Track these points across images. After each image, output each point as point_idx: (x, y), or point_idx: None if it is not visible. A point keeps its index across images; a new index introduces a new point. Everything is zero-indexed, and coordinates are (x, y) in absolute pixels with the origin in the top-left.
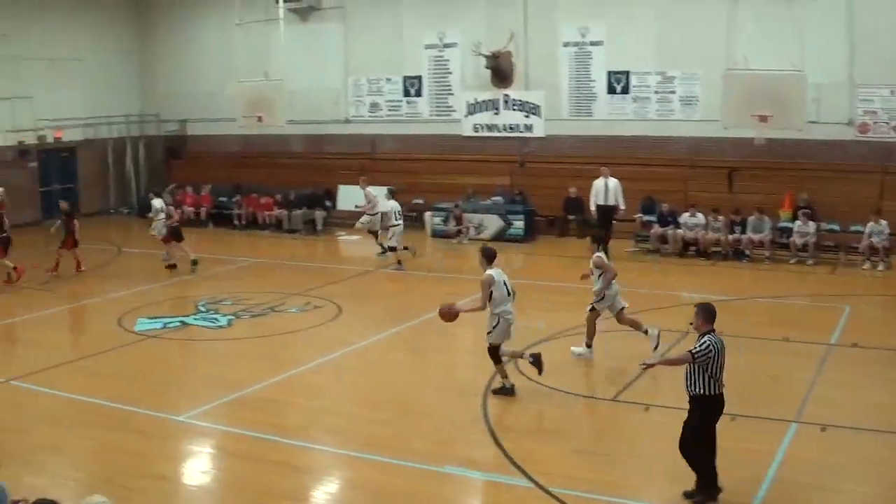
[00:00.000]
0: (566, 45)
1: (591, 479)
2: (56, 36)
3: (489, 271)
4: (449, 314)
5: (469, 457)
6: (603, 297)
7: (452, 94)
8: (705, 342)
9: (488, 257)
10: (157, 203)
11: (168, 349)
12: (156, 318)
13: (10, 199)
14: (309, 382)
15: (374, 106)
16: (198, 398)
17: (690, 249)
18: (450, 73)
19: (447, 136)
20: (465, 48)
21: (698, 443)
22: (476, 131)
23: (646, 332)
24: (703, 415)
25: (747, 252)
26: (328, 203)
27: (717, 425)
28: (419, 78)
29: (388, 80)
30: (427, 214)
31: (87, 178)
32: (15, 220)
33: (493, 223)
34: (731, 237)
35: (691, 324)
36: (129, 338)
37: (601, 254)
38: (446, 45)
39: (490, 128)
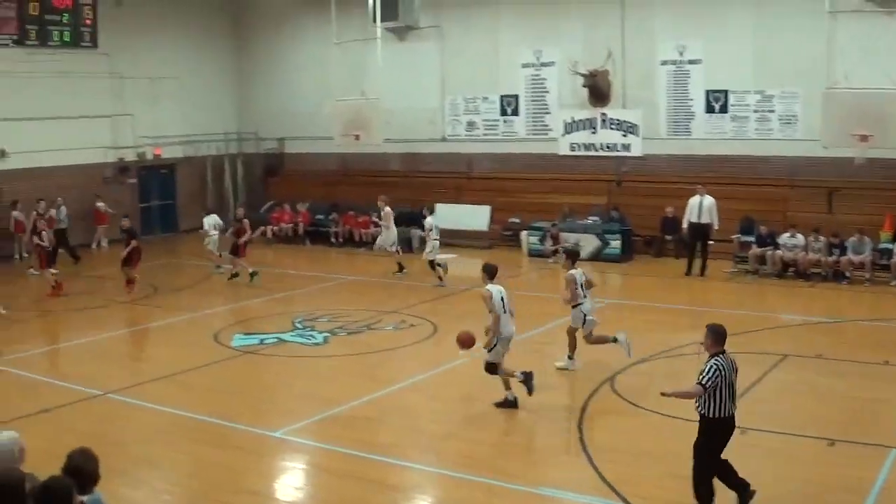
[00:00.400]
0: (664, 63)
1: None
2: (156, 54)
3: (489, 287)
4: (468, 340)
5: (564, 478)
6: (584, 320)
7: (549, 112)
8: (712, 367)
9: (489, 273)
10: (209, 220)
11: (264, 365)
12: (252, 333)
13: (108, 214)
14: (403, 400)
15: (471, 125)
16: (293, 414)
17: (789, 271)
18: (547, 91)
19: (544, 155)
20: (562, 67)
21: (711, 466)
22: (573, 150)
23: (614, 341)
24: (711, 436)
25: (847, 274)
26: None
27: (810, 451)
28: (516, 97)
29: (485, 98)
30: (523, 234)
31: (185, 195)
32: (114, 235)
33: (589, 243)
34: (830, 258)
35: (701, 344)
36: (226, 353)
37: (575, 271)
38: (543, 64)
39: (587, 147)
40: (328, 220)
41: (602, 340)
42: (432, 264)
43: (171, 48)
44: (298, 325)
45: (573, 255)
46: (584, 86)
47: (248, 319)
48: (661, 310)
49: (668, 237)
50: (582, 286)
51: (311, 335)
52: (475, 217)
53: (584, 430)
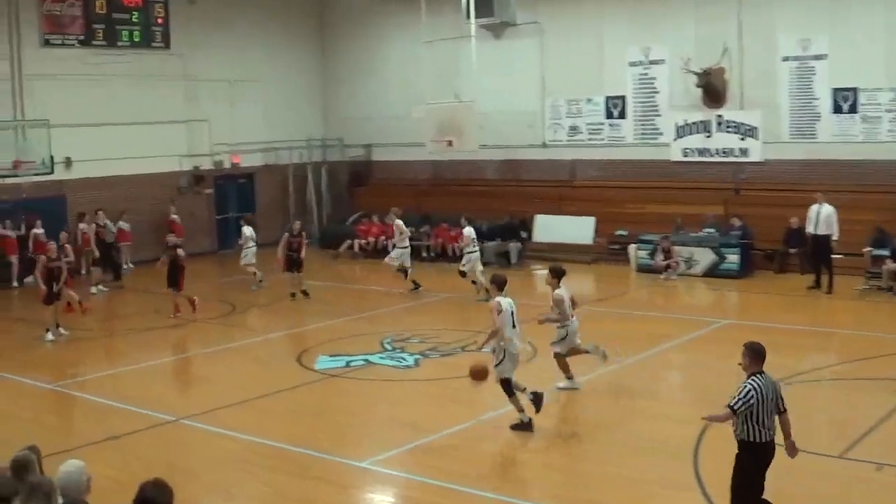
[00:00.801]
0: (785, 59)
1: None
2: (234, 56)
3: (499, 299)
4: (481, 373)
5: None
6: (565, 337)
7: (659, 115)
8: (746, 388)
9: (499, 285)
10: (247, 231)
11: (350, 389)
12: (338, 355)
13: (183, 227)
14: (499, 429)
15: (574, 129)
16: (381, 443)
17: None
18: (656, 92)
19: (654, 162)
20: (674, 65)
21: (749, 492)
22: (686, 156)
23: (586, 352)
24: (749, 462)
25: None
26: (523, 234)
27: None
28: (622, 98)
29: (589, 100)
30: (631, 247)
31: (265, 206)
32: (189, 249)
33: (704, 257)
34: None
35: (739, 364)
36: (310, 376)
37: (562, 290)
38: (652, 62)
39: (701, 152)
40: (420, 232)
41: (566, 360)
42: (470, 278)
43: (249, 49)
44: (388, 347)
45: (559, 274)
46: (698, 85)
47: (333, 340)
48: (782, 331)
49: (792, 250)
50: (569, 306)
51: (401, 357)
52: (578, 229)
53: (699, 463)
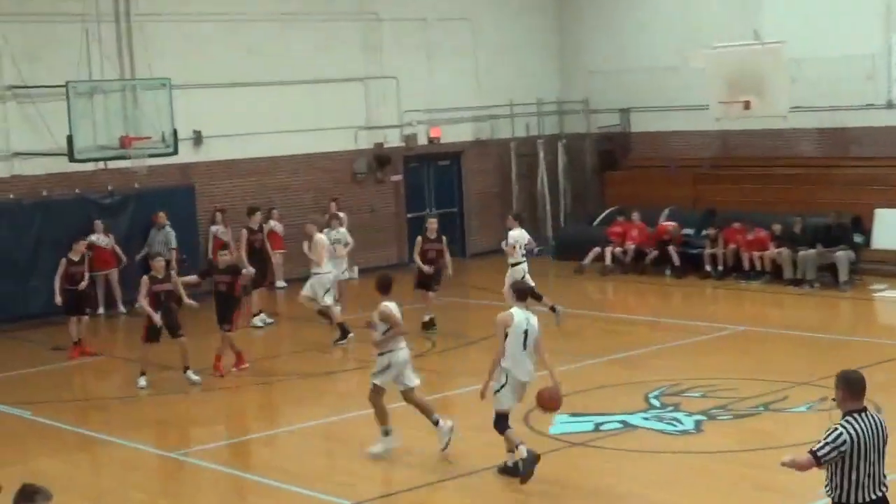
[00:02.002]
0: None
1: None
2: None
3: (512, 310)
4: (552, 400)
5: None
6: (388, 367)
7: None
8: (837, 431)
9: (519, 294)
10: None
11: (601, 464)
12: (582, 414)
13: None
14: None
15: None
16: None
17: None
18: None
19: None
20: None
21: None
22: None
23: (436, 424)
24: None
25: None
26: (857, 238)
27: None
28: None
29: None
30: None
31: (476, 198)
32: (369, 262)
33: None
34: None
35: (833, 399)
36: (542, 443)
37: (390, 304)
38: None
39: None
40: (701, 236)
41: (426, 411)
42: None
43: None
44: (655, 403)
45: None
46: None
47: (576, 393)
48: None
49: None
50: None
51: (675, 419)
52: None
53: None
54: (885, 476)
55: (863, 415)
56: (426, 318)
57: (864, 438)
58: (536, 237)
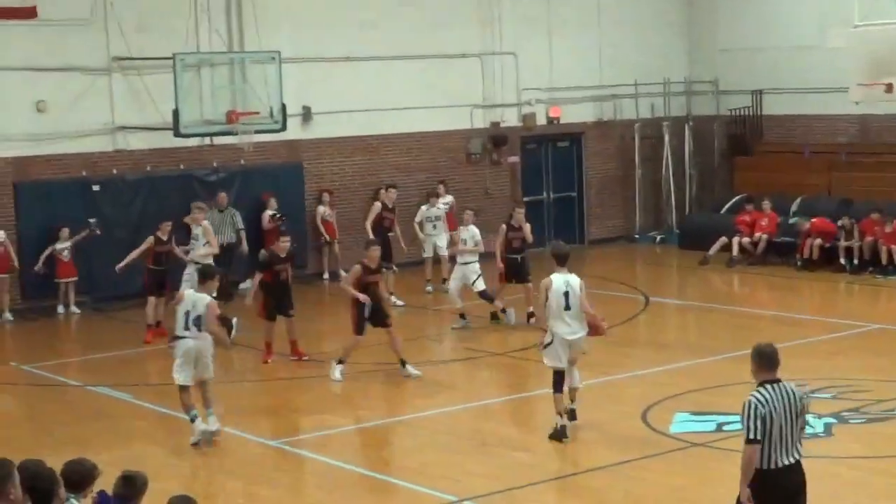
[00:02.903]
0: None
1: None
2: None
3: (553, 275)
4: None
5: None
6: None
7: None
8: (747, 404)
9: (558, 258)
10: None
11: (724, 467)
12: (704, 413)
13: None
14: None
15: None
16: None
17: None
18: None
19: None
20: None
21: None
22: None
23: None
24: (755, 492)
25: None
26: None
27: None
28: None
29: None
30: None
31: (598, 182)
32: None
33: None
34: None
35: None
36: (661, 443)
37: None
38: None
39: None
40: (837, 228)
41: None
42: (485, 296)
43: None
44: None
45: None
46: None
47: (699, 390)
48: None
49: None
50: None
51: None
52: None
53: None
54: (799, 444)
55: (775, 385)
56: (500, 308)
57: (774, 406)
58: (659, 224)
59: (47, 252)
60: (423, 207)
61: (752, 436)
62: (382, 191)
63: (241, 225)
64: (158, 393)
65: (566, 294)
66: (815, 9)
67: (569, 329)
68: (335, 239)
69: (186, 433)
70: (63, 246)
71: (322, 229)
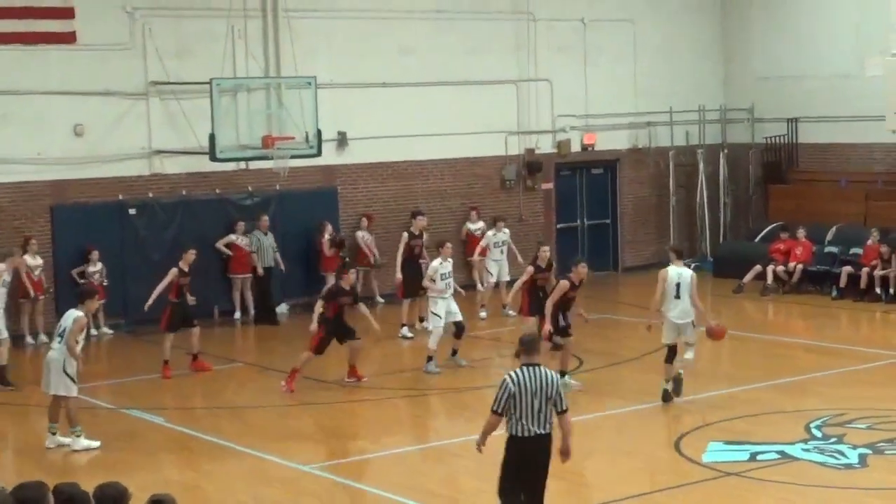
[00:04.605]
0: None
1: None
2: None
3: (669, 268)
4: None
5: None
6: None
7: None
8: (501, 381)
9: (677, 252)
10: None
11: (757, 497)
12: (737, 443)
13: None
14: None
15: None
16: None
17: None
18: None
19: None
20: None
21: (507, 487)
22: None
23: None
24: (505, 455)
25: None
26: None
27: None
28: None
29: None
30: None
31: (632, 209)
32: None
33: None
34: None
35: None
36: (694, 472)
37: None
38: None
39: None
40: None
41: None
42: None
43: None
44: (817, 433)
45: (678, 253)
46: None
47: (732, 419)
48: None
49: None
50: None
51: (838, 451)
52: None
53: None
54: (549, 419)
55: (531, 368)
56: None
57: (525, 384)
58: (694, 252)
59: (76, 271)
60: (490, 233)
61: (495, 407)
62: (412, 218)
63: (276, 248)
64: (190, 416)
65: (678, 285)
66: (852, 38)
67: (678, 314)
68: (370, 266)
69: (218, 457)
70: (95, 269)
71: (366, 251)
